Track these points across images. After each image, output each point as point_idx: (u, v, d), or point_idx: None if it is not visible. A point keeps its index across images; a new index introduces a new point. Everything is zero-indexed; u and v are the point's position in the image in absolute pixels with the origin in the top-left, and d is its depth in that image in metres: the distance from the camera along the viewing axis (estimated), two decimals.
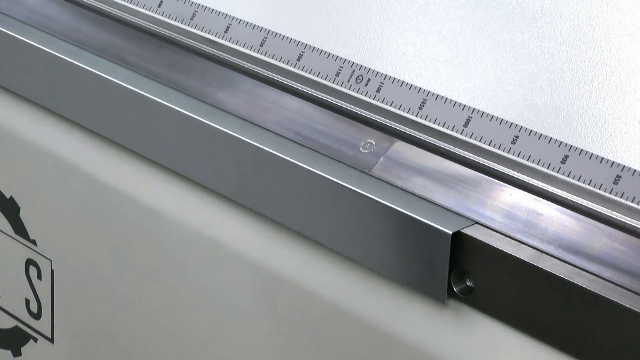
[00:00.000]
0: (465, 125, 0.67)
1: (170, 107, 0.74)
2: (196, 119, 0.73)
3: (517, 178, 0.65)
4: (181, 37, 0.81)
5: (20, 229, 0.91)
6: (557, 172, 0.63)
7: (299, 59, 0.75)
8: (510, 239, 0.62)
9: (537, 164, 0.64)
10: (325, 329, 0.71)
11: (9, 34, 0.86)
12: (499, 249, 0.61)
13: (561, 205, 0.63)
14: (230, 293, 0.77)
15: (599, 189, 0.62)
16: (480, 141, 0.66)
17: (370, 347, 0.69)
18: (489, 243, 0.61)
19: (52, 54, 0.83)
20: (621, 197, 0.61)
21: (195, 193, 0.76)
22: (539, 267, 0.59)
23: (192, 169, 0.76)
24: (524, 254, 0.61)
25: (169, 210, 0.79)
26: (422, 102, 0.69)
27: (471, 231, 0.63)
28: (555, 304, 0.59)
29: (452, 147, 0.67)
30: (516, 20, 0.71)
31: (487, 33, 0.72)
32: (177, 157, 0.77)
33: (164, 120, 0.76)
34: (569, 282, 0.58)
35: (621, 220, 0.61)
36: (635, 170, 0.61)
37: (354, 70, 0.72)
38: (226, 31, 0.79)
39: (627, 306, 0.56)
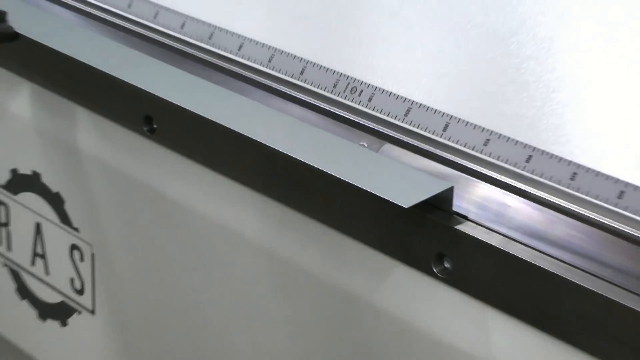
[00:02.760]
0: (444, 129, 0.68)
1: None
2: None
3: (488, 175, 0.65)
4: (200, 53, 0.82)
5: (65, 218, 0.92)
6: (523, 170, 0.64)
7: (301, 73, 0.75)
8: (481, 227, 0.63)
9: (506, 163, 0.64)
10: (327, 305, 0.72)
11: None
12: (472, 236, 0.62)
13: (526, 198, 0.63)
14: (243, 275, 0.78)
15: (558, 184, 0.62)
16: (457, 144, 0.67)
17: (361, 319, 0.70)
18: (465, 231, 0.62)
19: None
20: (577, 192, 0.61)
21: (214, 185, 0.77)
22: (508, 252, 0.60)
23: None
24: (494, 239, 0.61)
25: (191, 203, 0.80)
26: (407, 110, 0.70)
27: (450, 221, 0.63)
28: (521, 283, 0.60)
29: (433, 148, 0.68)
30: (489, 39, 0.71)
31: (463, 50, 0.72)
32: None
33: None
34: (532, 264, 0.59)
35: (577, 211, 0.61)
36: (589, 168, 0.62)
37: (348, 83, 0.73)
38: (239, 49, 0.79)
39: (583, 285, 0.57)
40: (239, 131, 0.69)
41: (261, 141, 0.68)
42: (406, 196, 0.61)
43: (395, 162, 0.67)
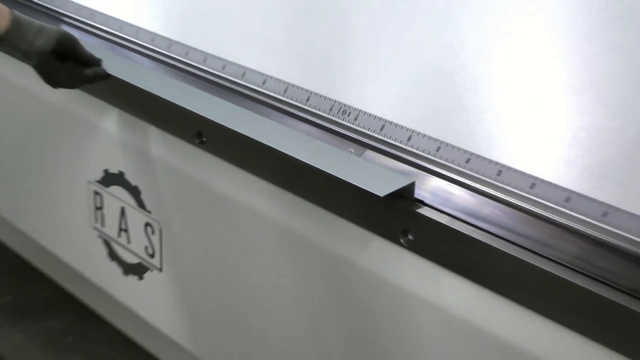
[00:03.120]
0: (408, 140, 0.68)
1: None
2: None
3: (439, 172, 0.66)
4: (236, 87, 0.82)
5: (141, 204, 0.92)
6: (464, 169, 0.64)
7: (307, 100, 0.75)
8: (434, 209, 0.63)
9: (451, 164, 0.65)
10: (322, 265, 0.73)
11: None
12: (427, 216, 0.63)
13: (465, 188, 0.64)
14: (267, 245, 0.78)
15: (488, 178, 0.63)
16: (417, 150, 0.67)
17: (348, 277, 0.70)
18: (422, 213, 0.63)
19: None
20: (502, 184, 0.62)
21: (246, 180, 0.77)
22: (452, 227, 0.61)
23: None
24: (442, 218, 0.62)
25: (229, 193, 0.80)
26: (382, 126, 0.70)
27: (412, 206, 0.64)
28: (462, 249, 0.61)
29: (400, 153, 0.68)
30: (440, 76, 0.71)
31: (421, 83, 0.72)
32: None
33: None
34: (469, 235, 0.60)
35: (501, 197, 0.62)
36: (510, 167, 0.62)
37: (340, 107, 0.73)
38: (263, 83, 0.79)
39: (504, 250, 0.58)
40: (264, 142, 0.69)
41: (279, 149, 0.68)
42: (382, 188, 0.62)
43: (373, 164, 0.68)
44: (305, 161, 0.66)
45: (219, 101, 0.78)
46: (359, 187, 0.62)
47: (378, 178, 0.65)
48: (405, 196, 0.64)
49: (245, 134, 0.71)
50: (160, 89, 0.81)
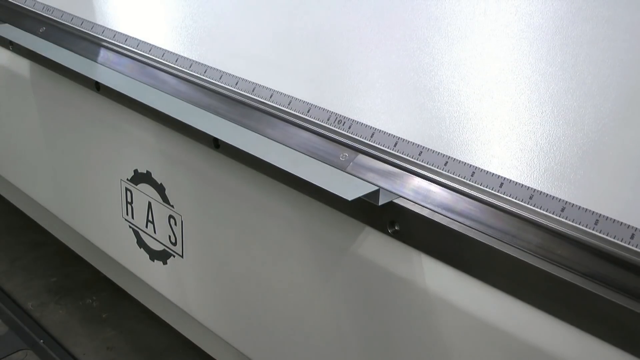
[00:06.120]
0: (395, 145, 0.67)
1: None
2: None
3: (421, 173, 0.65)
4: (247, 100, 0.80)
5: (165, 199, 0.91)
6: (442, 170, 0.63)
7: (308, 111, 0.74)
8: (416, 204, 0.63)
9: (432, 166, 0.64)
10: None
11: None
12: (411, 210, 0.62)
13: (443, 187, 0.63)
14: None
15: (463, 179, 0.62)
16: (402, 154, 0.66)
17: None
18: (406, 206, 0.62)
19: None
20: (475, 183, 0.61)
21: (253, 177, 0.76)
22: (433, 219, 0.61)
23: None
24: (424, 211, 0.62)
25: (238, 188, 0.79)
26: (372, 134, 0.69)
27: (397, 200, 0.63)
28: (440, 237, 0.60)
29: (387, 157, 0.67)
30: (420, 92, 0.70)
31: (405, 98, 0.71)
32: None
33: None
34: (447, 226, 0.60)
35: (474, 195, 0.61)
36: (482, 169, 0.61)
37: (337, 117, 0.72)
38: (270, 97, 0.78)
39: (476, 237, 0.58)
40: (257, 155, 0.69)
41: (277, 164, 0.67)
42: (350, 193, 0.61)
43: (345, 174, 0.66)
44: (295, 174, 0.65)
45: (225, 122, 0.77)
46: (333, 192, 0.61)
47: (349, 185, 0.64)
48: (370, 200, 0.62)
49: (245, 150, 0.70)
50: (148, 99, 0.81)
